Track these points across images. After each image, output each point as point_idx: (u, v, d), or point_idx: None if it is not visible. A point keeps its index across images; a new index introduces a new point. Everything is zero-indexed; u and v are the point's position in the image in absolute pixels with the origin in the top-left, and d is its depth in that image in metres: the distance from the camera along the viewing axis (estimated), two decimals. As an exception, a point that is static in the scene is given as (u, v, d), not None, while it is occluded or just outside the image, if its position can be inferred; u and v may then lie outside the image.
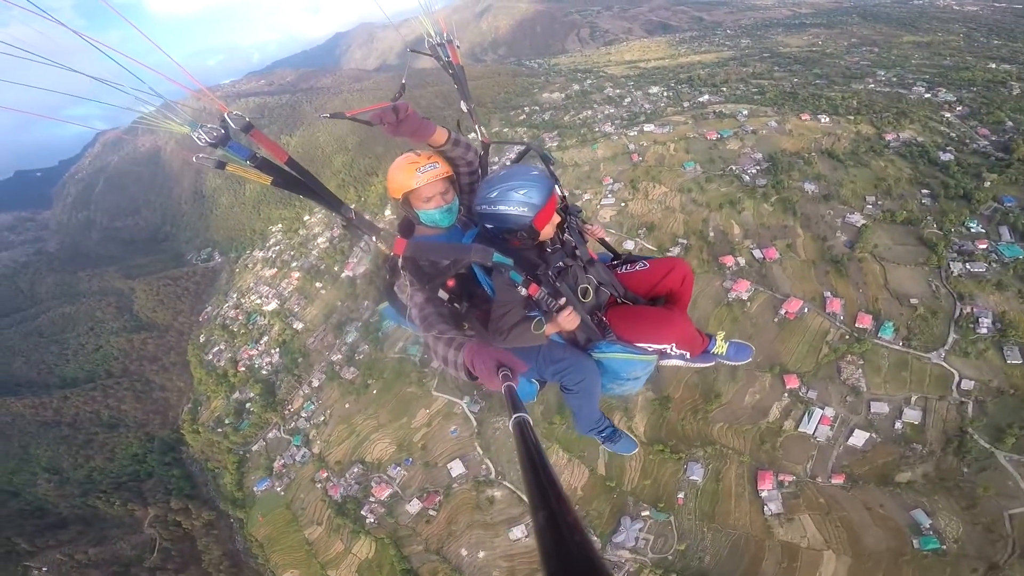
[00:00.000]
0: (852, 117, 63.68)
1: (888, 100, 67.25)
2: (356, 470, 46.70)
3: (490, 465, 42.69)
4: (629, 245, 51.87)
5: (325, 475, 47.81)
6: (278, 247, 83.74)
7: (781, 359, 41.04)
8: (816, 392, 39.07)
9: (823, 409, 38.03)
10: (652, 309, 3.25)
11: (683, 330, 3.11)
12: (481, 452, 43.68)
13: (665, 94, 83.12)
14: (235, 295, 78.51)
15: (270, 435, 55.21)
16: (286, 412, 56.36)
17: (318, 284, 69.47)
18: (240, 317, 72.88)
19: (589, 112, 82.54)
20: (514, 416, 1.34)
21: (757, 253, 49.05)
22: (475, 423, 45.52)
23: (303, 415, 54.71)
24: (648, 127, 70.30)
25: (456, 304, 2.80)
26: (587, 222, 3.40)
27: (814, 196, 53.33)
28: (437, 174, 2.87)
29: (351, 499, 44.93)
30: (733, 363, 3.67)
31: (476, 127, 3.23)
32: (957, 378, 36.60)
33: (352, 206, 2.37)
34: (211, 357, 69.49)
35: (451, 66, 3.12)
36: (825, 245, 48.62)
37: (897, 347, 39.93)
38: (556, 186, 2.98)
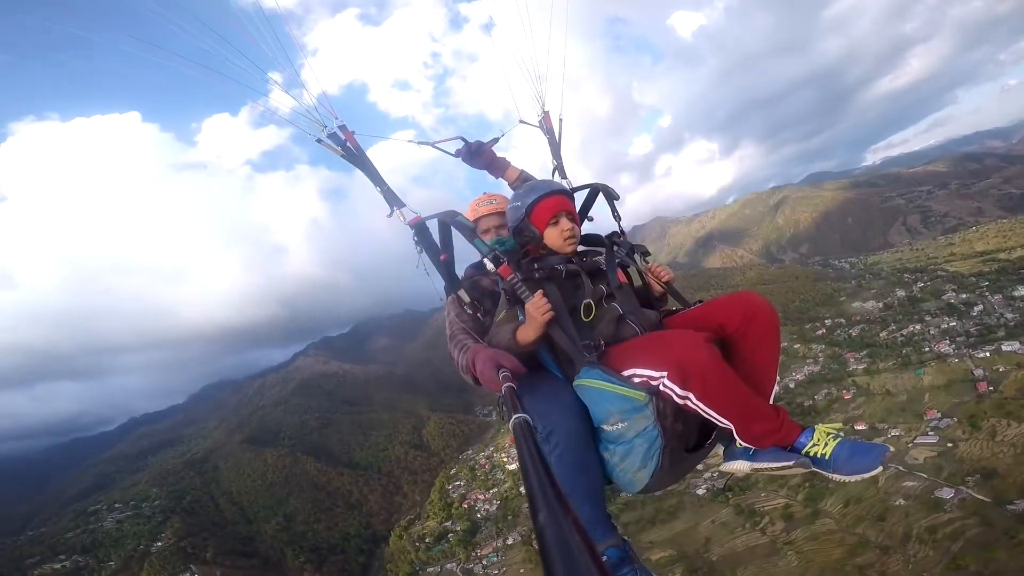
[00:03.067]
0: None
1: None
2: None
3: None
4: (947, 493, 40.91)
5: None
6: None
7: None
8: None
9: None
10: (660, 332, 2.46)
11: (687, 350, 2.01)
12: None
13: None
14: (491, 448, 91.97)
15: (449, 566, 59.78)
16: (473, 554, 60.30)
17: None
18: (487, 466, 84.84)
19: (918, 326, 68.98)
20: (514, 416, 1.31)
21: None
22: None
23: (484, 563, 57.76)
24: (1009, 345, 55.39)
25: (480, 316, 2.79)
26: (650, 262, 2.92)
27: None
28: (493, 208, 3.24)
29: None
30: (843, 477, 2.07)
31: (564, 180, 3.44)
32: None
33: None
34: (450, 487, 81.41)
35: (548, 132, 3.59)
36: None
37: None
38: (619, 225, 2.97)
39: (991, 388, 50.35)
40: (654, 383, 2.03)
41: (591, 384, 2.20)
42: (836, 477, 2.09)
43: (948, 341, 61.39)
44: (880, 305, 79.34)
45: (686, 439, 2.19)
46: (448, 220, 2.76)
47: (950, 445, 46.08)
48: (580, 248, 2.74)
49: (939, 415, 50.26)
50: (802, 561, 40.69)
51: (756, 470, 2.26)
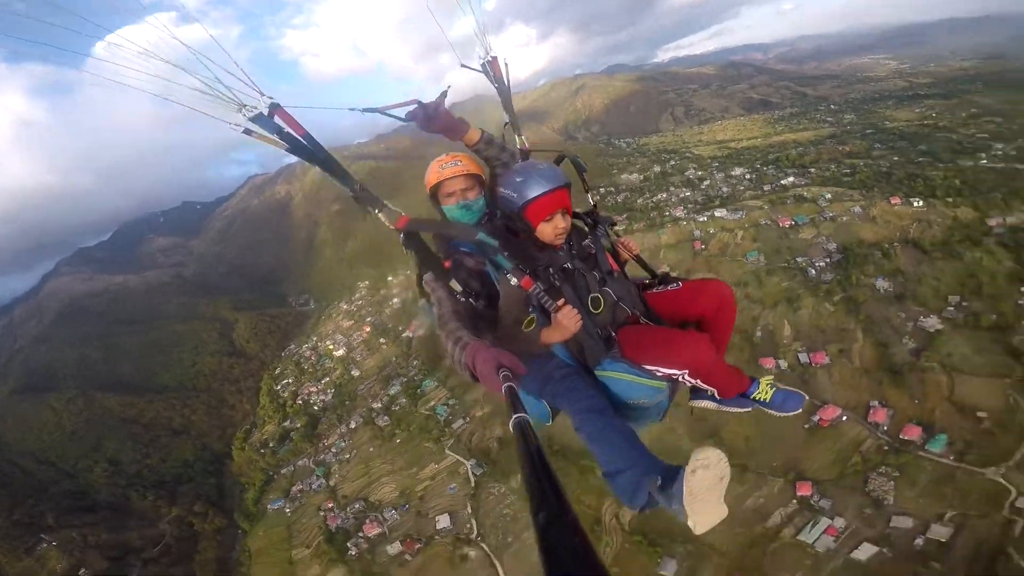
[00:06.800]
0: (951, 200, 57.89)
1: (1000, 178, 60.17)
2: (358, 506, 51.81)
3: (474, 525, 45.14)
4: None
5: (330, 505, 53.53)
6: (360, 302, 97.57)
7: (800, 466, 39.63)
8: (831, 502, 37.52)
9: (832, 520, 36.45)
10: (666, 329, 2.97)
11: (699, 356, 2.67)
12: (470, 512, 46.38)
13: (748, 176, 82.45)
14: (315, 338, 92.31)
15: (300, 462, 63.12)
16: (320, 445, 64.35)
17: (382, 340, 79.81)
18: (313, 358, 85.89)
19: (664, 195, 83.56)
20: (514, 416, 1.38)
21: (803, 357, 47.05)
22: (473, 484, 48.78)
23: (333, 450, 62.17)
24: (720, 212, 68.75)
25: (472, 300, 2.82)
26: (620, 236, 3.34)
27: (886, 295, 49.86)
28: (458, 171, 3.04)
29: (342, 531, 49.72)
30: (778, 413, 3.08)
31: (517, 136, 3.41)
32: (1014, 495, 34.19)
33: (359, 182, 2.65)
34: (279, 388, 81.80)
35: (497, 80, 3.40)
36: (886, 353, 45.20)
37: (946, 461, 37.64)
38: (589, 196, 3.19)
39: (703, 246, 63.88)
40: (675, 376, 2.69)
41: (620, 376, 2.73)
42: (775, 414, 3.10)
43: (682, 207, 75.73)
44: (641, 178, 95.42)
45: None
46: (465, 237, 2.77)
47: (674, 297, 61.24)
48: None
49: (668, 270, 65.70)
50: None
51: (722, 411, 3.12)
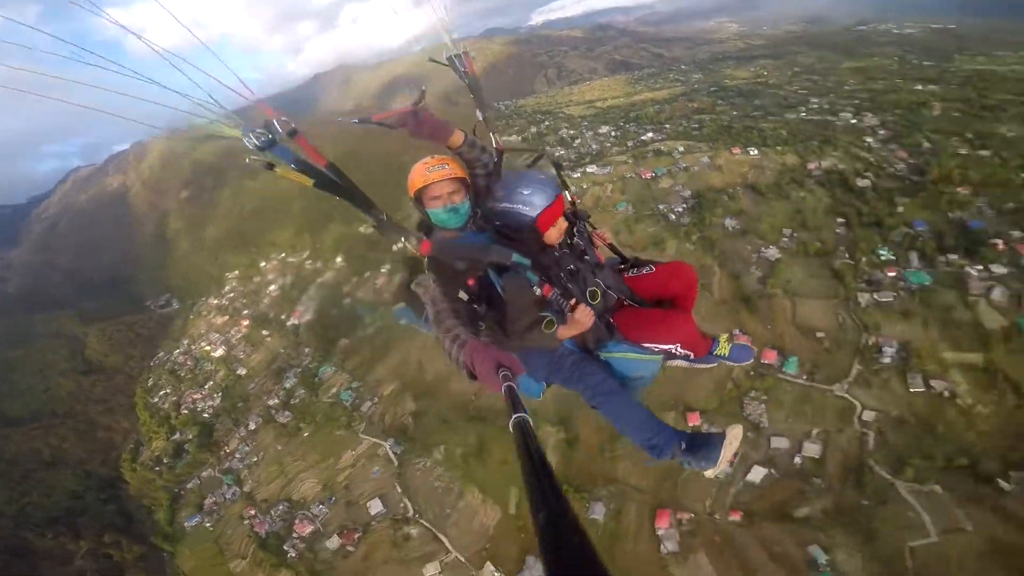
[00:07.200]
0: (780, 148, 67.46)
1: (816, 128, 71.24)
2: (282, 508, 50.02)
3: (408, 504, 45.66)
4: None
5: (253, 512, 51.02)
6: (232, 294, 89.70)
7: (686, 398, 43.14)
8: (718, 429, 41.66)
9: (723, 446, 40.74)
10: (658, 311, 3.42)
11: (687, 332, 3.27)
12: (400, 491, 46.80)
13: (613, 134, 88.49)
14: (187, 341, 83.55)
15: (204, 474, 58.80)
16: (222, 453, 60.16)
17: (265, 332, 74.84)
18: (189, 362, 78.03)
19: None
20: (514, 416, 1.42)
21: (674, 294, 52.81)
22: (396, 464, 49.11)
23: (237, 456, 58.56)
24: (591, 168, 73.46)
25: (475, 305, 2.89)
26: (596, 228, 3.66)
27: (734, 232, 57.00)
28: (445, 174, 3.07)
29: (274, 535, 48.03)
30: (735, 364, 3.81)
31: (491, 134, 3.45)
32: (859, 409, 37.88)
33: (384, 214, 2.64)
34: (157, 400, 73.59)
35: (467, 76, 3.42)
36: (739, 283, 51.67)
37: (800, 381, 41.85)
38: (565, 192, 3.36)
39: (579, 200, 70.80)
40: (667, 349, 3.27)
41: (623, 356, 3.25)
42: (733, 364, 3.82)
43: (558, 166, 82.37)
44: (519, 139, 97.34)
45: None
46: (502, 261, 2.82)
47: (552, 249, 64.81)
48: None
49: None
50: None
51: (693, 367, 3.80)
